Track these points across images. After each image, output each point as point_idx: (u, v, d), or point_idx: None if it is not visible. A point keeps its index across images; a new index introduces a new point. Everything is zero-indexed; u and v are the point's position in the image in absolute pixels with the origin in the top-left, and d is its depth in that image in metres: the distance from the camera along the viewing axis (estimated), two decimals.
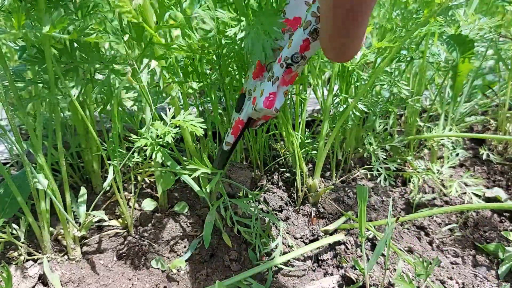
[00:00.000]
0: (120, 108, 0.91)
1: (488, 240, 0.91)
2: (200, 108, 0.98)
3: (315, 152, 0.92)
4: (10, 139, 0.70)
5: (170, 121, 0.67)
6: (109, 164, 0.77)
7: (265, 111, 0.61)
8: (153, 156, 0.64)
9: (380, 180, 1.05)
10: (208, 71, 0.84)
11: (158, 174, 0.88)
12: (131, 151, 0.75)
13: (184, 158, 0.81)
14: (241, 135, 0.71)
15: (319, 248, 0.83)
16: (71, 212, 0.80)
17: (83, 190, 0.84)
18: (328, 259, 0.83)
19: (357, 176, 1.08)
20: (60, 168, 0.78)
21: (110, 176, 0.76)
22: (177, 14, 0.73)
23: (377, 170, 1.06)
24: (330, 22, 0.44)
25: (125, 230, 0.88)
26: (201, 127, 0.67)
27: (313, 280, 0.79)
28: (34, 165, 0.73)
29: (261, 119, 0.67)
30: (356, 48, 0.47)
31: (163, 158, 0.64)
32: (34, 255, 0.80)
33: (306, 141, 0.95)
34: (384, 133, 1.15)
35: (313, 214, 0.92)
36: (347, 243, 0.85)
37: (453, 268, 0.84)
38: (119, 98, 0.75)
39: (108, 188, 0.91)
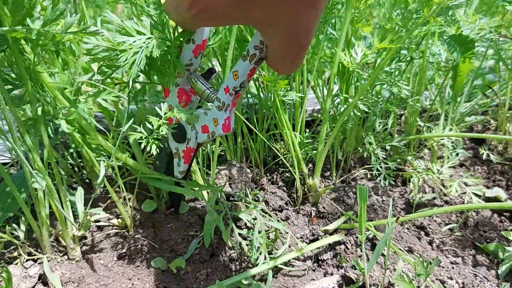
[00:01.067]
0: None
1: (488, 240, 0.91)
2: None
3: (315, 152, 0.92)
4: (7, 139, 0.70)
5: (164, 114, 0.67)
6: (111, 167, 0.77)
7: (223, 134, 0.69)
8: (148, 148, 0.65)
9: (380, 180, 1.05)
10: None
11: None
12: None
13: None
14: (192, 161, 0.77)
15: (319, 248, 0.83)
16: (70, 211, 0.80)
17: (80, 189, 0.84)
18: (328, 259, 0.83)
19: (357, 176, 1.08)
20: (60, 168, 0.78)
21: (102, 173, 0.75)
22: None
23: (377, 170, 1.06)
24: (284, 54, 0.54)
25: (125, 230, 0.88)
26: (196, 117, 0.68)
27: (313, 280, 0.79)
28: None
29: (211, 140, 0.73)
30: (301, 61, 0.56)
31: (157, 150, 0.66)
32: (34, 255, 0.80)
33: (306, 141, 0.95)
34: (384, 133, 1.15)
35: (313, 214, 0.92)
36: (347, 243, 0.85)
37: (453, 268, 0.84)
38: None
39: (104, 185, 0.91)
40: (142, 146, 0.65)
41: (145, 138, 0.66)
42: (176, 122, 0.74)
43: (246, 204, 0.87)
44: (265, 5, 0.47)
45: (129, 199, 0.93)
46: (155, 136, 0.66)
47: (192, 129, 0.73)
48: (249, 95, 1.09)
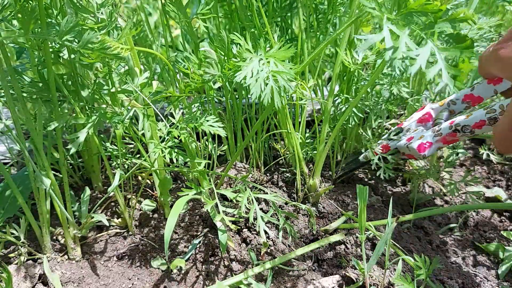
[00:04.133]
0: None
1: (488, 240, 0.91)
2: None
3: (315, 152, 0.92)
4: (14, 137, 0.70)
5: (178, 124, 0.68)
6: (111, 167, 0.77)
7: (414, 152, 0.75)
8: (159, 156, 0.66)
9: (380, 174, 1.04)
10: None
11: (156, 177, 0.88)
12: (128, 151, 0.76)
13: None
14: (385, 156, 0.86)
15: (319, 248, 0.83)
16: (71, 212, 0.80)
17: (87, 190, 0.84)
18: (328, 259, 0.83)
19: (357, 176, 1.08)
20: (61, 168, 0.78)
21: (116, 183, 0.76)
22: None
23: (376, 165, 1.05)
24: (509, 125, 0.54)
25: (125, 230, 0.88)
26: (219, 127, 0.69)
27: (313, 280, 0.79)
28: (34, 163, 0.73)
29: (405, 155, 0.80)
30: None
31: (176, 158, 0.67)
32: (34, 255, 0.80)
33: (306, 141, 0.95)
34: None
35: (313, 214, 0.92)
36: (347, 243, 0.85)
37: (453, 268, 0.84)
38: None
39: (106, 187, 0.91)
40: (157, 155, 0.67)
41: (157, 146, 0.67)
42: (400, 126, 0.85)
43: (246, 204, 0.86)
44: None
45: (129, 199, 0.93)
46: (166, 146, 0.67)
47: (404, 135, 0.80)
48: (249, 95, 1.09)
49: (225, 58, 0.67)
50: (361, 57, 0.85)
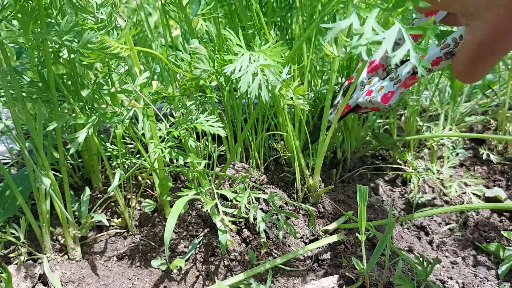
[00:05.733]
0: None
1: (488, 240, 0.91)
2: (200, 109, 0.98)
3: (315, 152, 0.92)
4: (14, 137, 0.71)
5: (178, 124, 0.68)
6: (111, 167, 0.77)
7: (379, 104, 0.73)
8: (159, 156, 0.66)
9: (380, 178, 1.05)
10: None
11: (156, 177, 0.88)
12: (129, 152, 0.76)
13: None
14: (344, 117, 0.84)
15: (319, 248, 0.83)
16: (71, 212, 0.80)
17: (87, 190, 0.84)
18: (328, 259, 0.83)
19: (357, 175, 1.08)
20: (61, 168, 0.78)
21: (116, 183, 0.76)
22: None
23: (378, 165, 1.06)
24: (470, 54, 0.53)
25: (125, 230, 0.88)
26: (219, 127, 0.69)
27: (313, 280, 0.79)
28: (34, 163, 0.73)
29: (368, 109, 0.78)
30: (482, 75, 0.55)
31: (176, 158, 0.67)
32: (34, 255, 0.80)
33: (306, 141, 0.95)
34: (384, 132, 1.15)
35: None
36: (347, 243, 0.85)
37: (453, 268, 0.84)
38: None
39: (106, 188, 0.91)
40: (157, 154, 0.68)
41: (157, 146, 0.67)
42: (351, 81, 0.82)
43: (245, 204, 0.86)
44: None
45: (129, 199, 0.93)
46: (166, 146, 0.67)
47: (361, 89, 0.78)
48: (248, 95, 1.09)
49: (216, 53, 0.67)
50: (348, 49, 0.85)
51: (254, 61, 0.59)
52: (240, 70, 0.58)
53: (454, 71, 0.58)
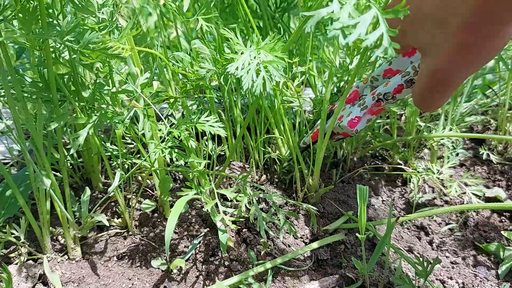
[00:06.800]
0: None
1: (488, 240, 0.91)
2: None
3: (315, 151, 0.92)
4: (14, 137, 0.71)
5: (179, 124, 0.68)
6: (111, 167, 0.77)
7: (347, 129, 0.76)
8: (159, 156, 0.66)
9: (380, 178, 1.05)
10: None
11: (156, 177, 0.88)
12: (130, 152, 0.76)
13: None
14: (316, 142, 0.85)
15: (319, 248, 0.83)
16: (71, 212, 0.80)
17: (87, 190, 0.84)
18: (328, 259, 0.83)
19: (357, 175, 1.08)
20: (61, 168, 0.78)
21: (116, 183, 0.76)
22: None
23: (378, 165, 1.06)
24: (425, 84, 0.55)
25: (125, 230, 0.88)
26: (219, 127, 0.69)
27: (313, 280, 0.79)
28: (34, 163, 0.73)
29: (340, 134, 0.80)
30: (440, 105, 0.57)
31: (177, 158, 0.68)
32: (34, 255, 0.80)
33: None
34: (384, 133, 1.15)
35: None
36: (347, 243, 0.85)
37: (453, 268, 0.84)
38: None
39: (106, 188, 0.91)
40: (157, 155, 0.68)
41: (157, 146, 0.67)
42: (331, 109, 0.85)
43: (246, 204, 0.87)
44: (426, 29, 0.50)
45: (129, 199, 0.93)
46: (166, 146, 0.68)
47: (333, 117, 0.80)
48: (253, 92, 1.09)
49: (217, 53, 0.67)
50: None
51: (255, 57, 0.59)
52: (243, 68, 0.58)
53: (413, 99, 0.60)
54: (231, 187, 0.94)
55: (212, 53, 0.67)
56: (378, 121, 1.20)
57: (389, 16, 0.42)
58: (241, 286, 0.74)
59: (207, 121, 0.70)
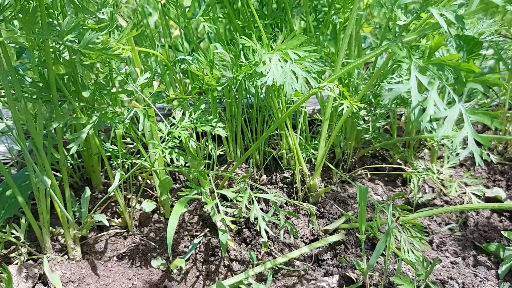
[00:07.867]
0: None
1: (488, 240, 0.91)
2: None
3: (315, 152, 0.92)
4: (15, 137, 0.71)
5: (179, 125, 0.68)
6: (111, 167, 0.77)
7: None
8: (159, 156, 0.66)
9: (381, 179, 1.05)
10: None
11: (156, 177, 0.88)
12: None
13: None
14: None
15: (319, 248, 0.83)
16: (71, 212, 0.80)
17: (87, 190, 0.84)
18: (328, 259, 0.83)
19: (357, 176, 1.08)
20: (61, 168, 0.78)
21: (116, 183, 0.76)
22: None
23: (378, 165, 1.06)
24: None
25: (125, 230, 0.88)
26: (220, 127, 0.69)
27: (313, 280, 0.79)
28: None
29: None
30: None
31: (177, 158, 0.68)
32: (34, 255, 0.80)
33: (308, 141, 0.95)
34: (384, 133, 1.15)
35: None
36: (347, 243, 0.85)
37: (453, 268, 0.84)
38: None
39: (106, 188, 0.91)
40: (157, 155, 0.68)
41: (158, 147, 0.67)
42: None
43: (246, 204, 0.87)
44: None
45: (129, 199, 0.93)
46: (166, 146, 0.68)
47: None
48: (249, 95, 1.09)
49: (237, 60, 0.67)
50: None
51: (279, 59, 0.59)
52: (279, 75, 0.58)
53: None
54: (231, 187, 0.94)
55: (232, 59, 0.67)
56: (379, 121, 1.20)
57: (474, 117, 0.43)
58: (241, 286, 0.74)
59: (207, 121, 0.70)
